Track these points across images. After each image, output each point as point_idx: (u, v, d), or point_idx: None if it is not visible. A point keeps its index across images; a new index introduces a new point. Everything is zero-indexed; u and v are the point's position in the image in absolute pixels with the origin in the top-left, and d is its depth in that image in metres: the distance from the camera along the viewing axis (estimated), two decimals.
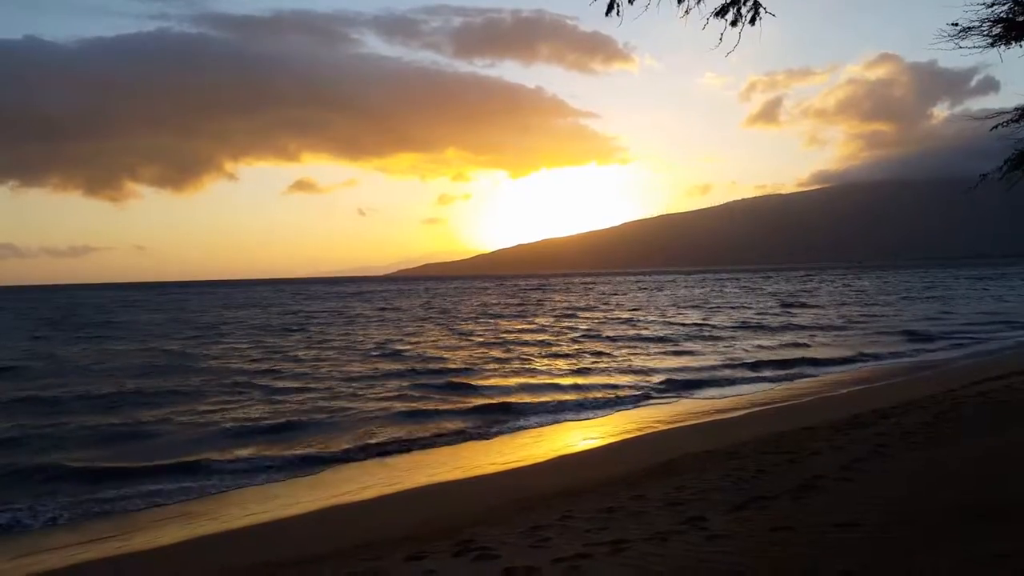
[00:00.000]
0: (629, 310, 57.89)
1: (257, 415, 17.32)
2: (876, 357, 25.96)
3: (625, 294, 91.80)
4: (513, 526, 7.32)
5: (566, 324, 45.44)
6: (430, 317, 56.73)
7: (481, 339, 36.55)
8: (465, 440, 14.75)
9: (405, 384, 21.90)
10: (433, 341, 36.16)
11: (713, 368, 23.96)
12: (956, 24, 9.81)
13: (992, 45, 9.93)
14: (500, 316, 55.52)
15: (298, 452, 13.57)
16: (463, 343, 34.81)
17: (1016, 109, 10.89)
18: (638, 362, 26.07)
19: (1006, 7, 9.57)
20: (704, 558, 5.39)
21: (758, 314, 49.48)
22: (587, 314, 54.92)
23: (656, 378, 21.99)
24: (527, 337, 36.97)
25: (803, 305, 58.19)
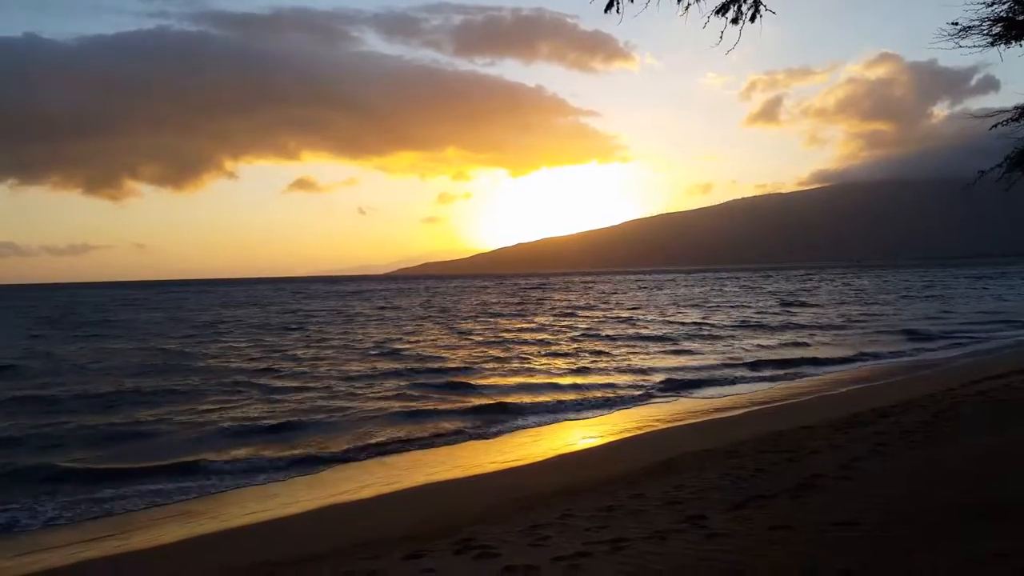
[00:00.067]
0: (629, 309, 57.91)
1: (256, 415, 17.31)
2: (876, 356, 25.97)
3: (625, 293, 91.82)
4: (513, 525, 7.32)
5: (566, 323, 45.45)
6: (429, 316, 56.73)
7: (480, 338, 36.55)
8: (464, 439, 14.73)
9: (404, 383, 21.89)
10: (432, 340, 36.16)
11: (712, 367, 23.97)
12: (956, 23, 9.82)
13: (992, 44, 9.93)
14: (500, 315, 55.53)
15: (297, 452, 13.56)
16: (462, 342, 34.82)
17: (1016, 108, 10.89)
18: (637, 361, 26.07)
19: (1006, 6, 9.57)
20: (703, 557, 5.39)
21: (758, 313, 49.50)
22: (587, 313, 54.93)
23: (655, 377, 21.99)
24: (527, 336, 36.97)
25: (803, 304, 58.22)
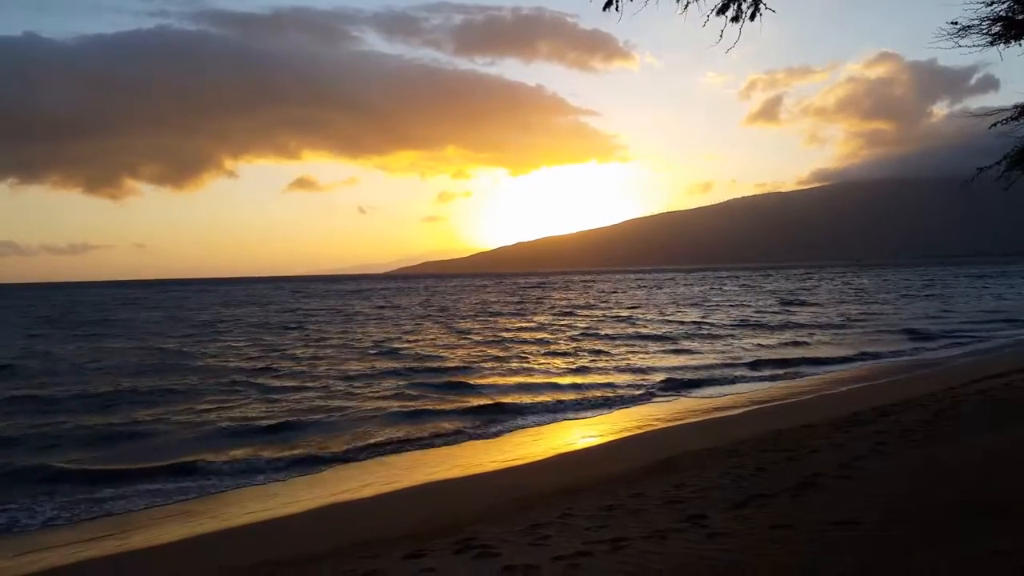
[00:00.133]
0: (628, 308, 57.90)
1: (254, 415, 17.29)
2: (876, 355, 25.96)
3: (624, 292, 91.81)
4: (513, 524, 7.31)
5: (565, 322, 45.45)
6: (429, 315, 56.72)
7: (480, 337, 36.54)
8: (464, 439, 14.72)
9: (403, 383, 21.88)
10: (432, 339, 36.15)
11: (712, 367, 23.96)
12: (956, 23, 9.81)
13: (992, 43, 9.92)
14: (499, 314, 55.52)
15: (296, 452, 13.53)
16: (462, 341, 34.81)
17: (1016, 107, 10.88)
18: (637, 361, 26.06)
19: (1005, 5, 9.56)
20: (704, 556, 5.39)
21: (757, 312, 49.50)
22: (586, 312, 54.94)
23: (655, 377, 21.98)
24: (526, 335, 36.97)
25: (803, 303, 58.22)
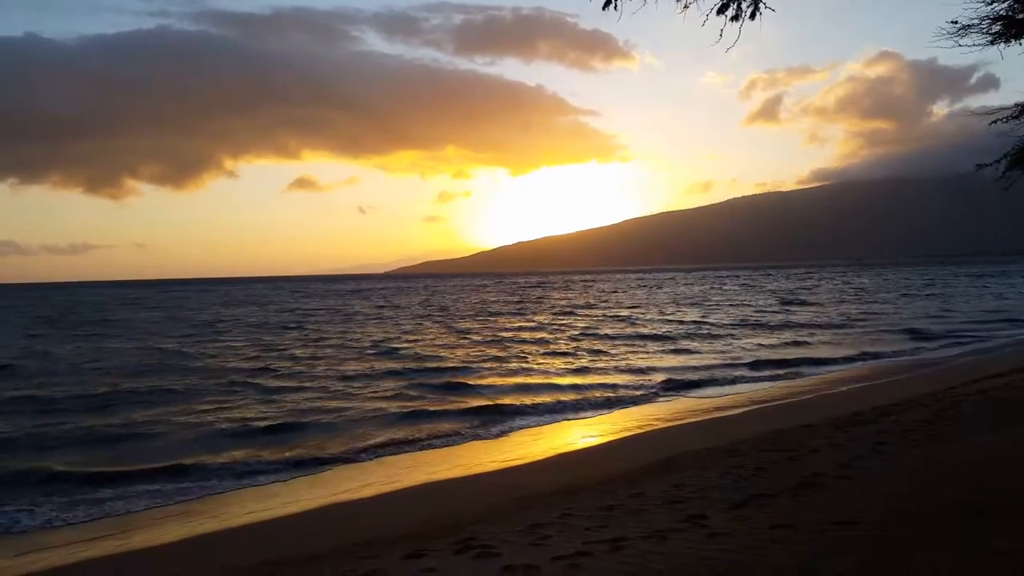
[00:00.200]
0: (628, 308, 57.90)
1: (254, 415, 17.26)
2: (876, 355, 25.94)
3: (624, 292, 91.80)
4: (513, 524, 7.31)
5: (565, 322, 45.45)
6: (429, 315, 56.72)
7: (479, 337, 36.53)
8: (463, 440, 14.70)
9: (402, 383, 21.86)
10: (431, 339, 36.14)
11: (712, 366, 23.95)
12: (956, 22, 9.80)
13: (992, 43, 9.91)
14: (499, 314, 55.52)
15: (295, 453, 13.52)
16: (461, 341, 34.80)
17: (1016, 105, 10.87)
18: (637, 360, 26.06)
19: (1006, 4, 9.55)
20: (704, 556, 5.38)
21: (757, 311, 49.50)
22: (586, 312, 54.93)
23: (655, 377, 21.97)
24: (526, 335, 36.96)
25: (803, 303, 58.21)
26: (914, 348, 27.95)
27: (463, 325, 45.11)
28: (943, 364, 22.67)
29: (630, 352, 28.72)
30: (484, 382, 21.91)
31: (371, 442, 14.35)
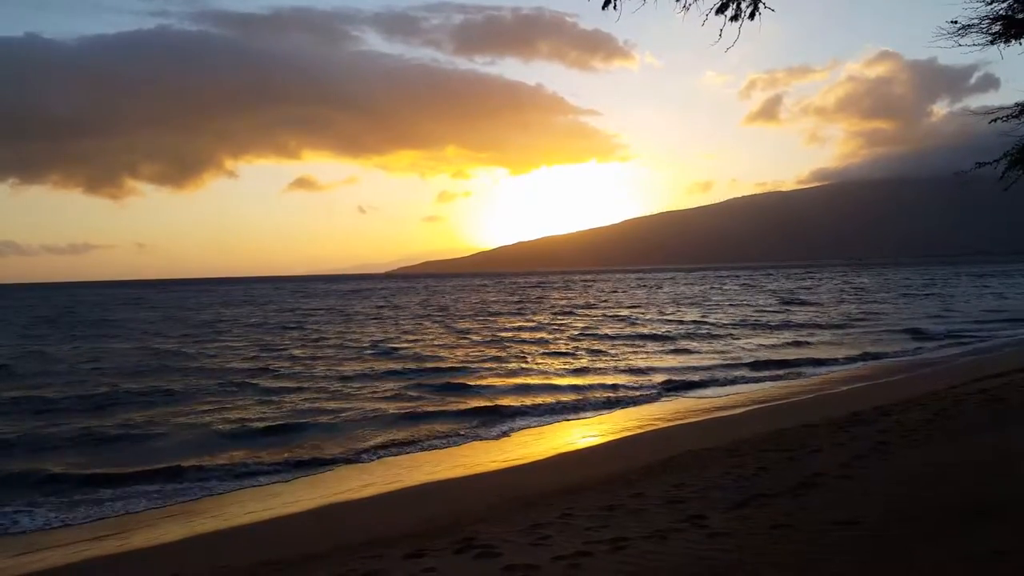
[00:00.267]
0: (628, 308, 57.90)
1: (253, 416, 17.24)
2: (877, 355, 25.92)
3: (624, 292, 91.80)
4: (514, 524, 7.31)
5: (565, 322, 45.45)
6: (428, 315, 56.72)
7: (479, 337, 36.53)
8: (463, 441, 14.69)
9: (402, 384, 21.84)
10: (431, 340, 36.14)
11: (712, 367, 23.94)
12: (955, 22, 9.78)
13: (992, 42, 9.90)
14: (499, 314, 55.52)
15: (295, 454, 13.50)
16: (461, 341, 34.79)
17: (1016, 105, 10.86)
18: (637, 361, 26.05)
19: (1006, 4, 9.54)
20: (704, 556, 5.38)
21: (757, 311, 49.51)
22: (586, 312, 54.93)
23: (655, 377, 21.97)
24: (525, 335, 36.96)
25: (803, 302, 58.21)
26: (915, 348, 27.94)
27: (463, 325, 45.11)
28: (944, 364, 22.66)
29: (630, 352, 28.72)
30: (484, 382, 21.90)
31: (371, 443, 14.35)
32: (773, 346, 29.50)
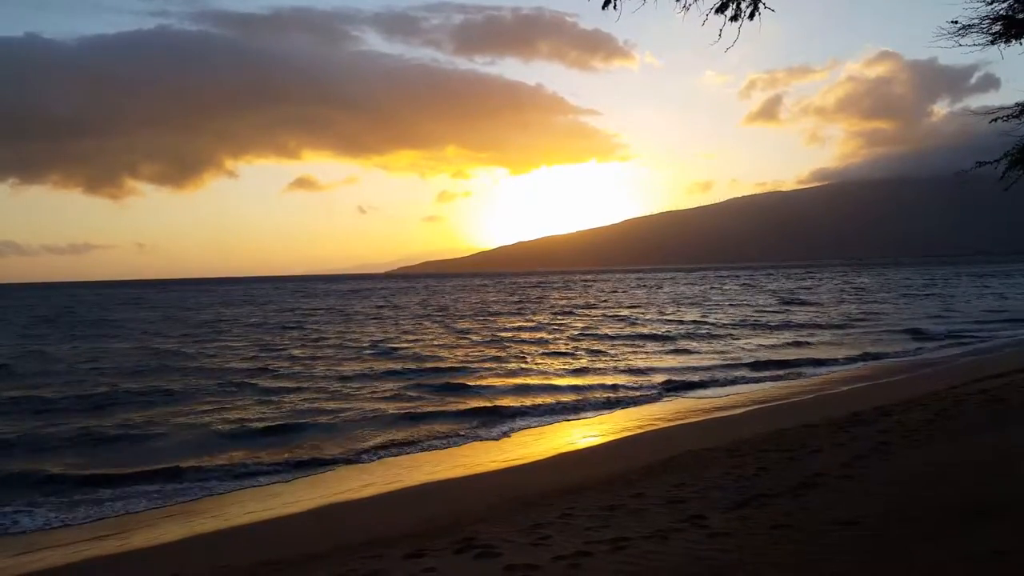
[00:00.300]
0: (628, 308, 57.90)
1: (253, 416, 17.23)
2: (878, 355, 25.91)
3: (624, 292, 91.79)
4: (514, 524, 7.31)
5: (564, 322, 45.44)
6: (428, 315, 56.71)
7: (479, 337, 36.52)
8: (463, 441, 14.68)
9: (402, 384, 21.82)
10: (431, 340, 36.13)
11: (713, 367, 23.94)
12: (956, 22, 9.78)
13: (992, 42, 9.89)
14: (499, 314, 55.51)
15: (295, 455, 13.49)
16: (460, 341, 34.78)
17: (1017, 105, 10.85)
18: (637, 361, 26.05)
19: (1006, 4, 9.54)
20: (704, 556, 5.38)
21: (757, 311, 49.50)
22: (585, 312, 54.93)
23: (655, 377, 21.96)
24: (525, 335, 36.95)
25: (803, 302, 58.20)
26: (915, 348, 27.92)
27: (462, 325, 45.11)
28: (944, 364, 22.66)
29: (630, 352, 28.71)
30: (484, 383, 21.89)
31: (371, 443, 14.34)
32: (773, 346, 29.49)
